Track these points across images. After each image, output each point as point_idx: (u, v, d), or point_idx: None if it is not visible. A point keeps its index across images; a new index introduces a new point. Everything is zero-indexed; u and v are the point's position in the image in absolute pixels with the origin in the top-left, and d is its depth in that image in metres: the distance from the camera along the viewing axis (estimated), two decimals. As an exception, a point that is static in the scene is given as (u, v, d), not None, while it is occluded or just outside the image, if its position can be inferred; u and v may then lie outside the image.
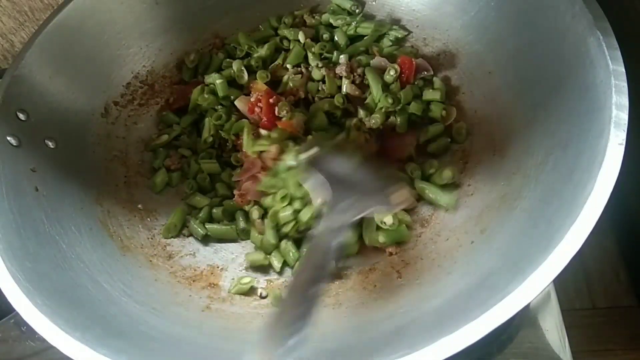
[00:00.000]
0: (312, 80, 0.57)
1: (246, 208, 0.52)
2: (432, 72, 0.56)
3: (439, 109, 0.52)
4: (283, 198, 0.48)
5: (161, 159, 0.57)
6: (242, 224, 0.51)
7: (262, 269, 0.49)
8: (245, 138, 0.52)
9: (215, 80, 0.57)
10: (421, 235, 0.48)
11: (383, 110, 0.52)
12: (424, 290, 0.42)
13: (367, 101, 0.54)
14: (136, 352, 0.36)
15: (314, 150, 0.47)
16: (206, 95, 0.57)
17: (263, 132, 0.53)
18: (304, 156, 0.47)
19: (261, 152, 0.51)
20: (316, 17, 0.63)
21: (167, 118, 0.60)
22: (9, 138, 0.46)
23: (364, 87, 0.55)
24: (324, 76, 0.56)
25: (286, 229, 0.48)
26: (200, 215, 0.52)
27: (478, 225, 0.44)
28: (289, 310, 0.33)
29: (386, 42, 0.60)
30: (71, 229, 0.46)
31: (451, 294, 0.38)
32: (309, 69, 0.57)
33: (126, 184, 0.55)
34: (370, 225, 0.47)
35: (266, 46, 0.60)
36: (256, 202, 0.51)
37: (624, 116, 0.35)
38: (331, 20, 0.61)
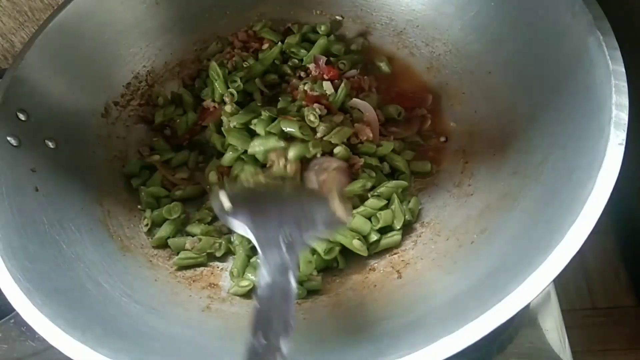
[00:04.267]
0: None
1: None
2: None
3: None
4: None
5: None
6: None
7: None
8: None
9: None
10: (421, 235, 0.48)
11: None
12: (424, 290, 0.42)
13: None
14: (136, 352, 0.36)
15: (224, 196, 0.41)
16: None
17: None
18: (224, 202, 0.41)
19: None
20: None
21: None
22: (9, 138, 0.46)
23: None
24: None
25: None
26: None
27: (478, 225, 0.44)
28: None
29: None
30: (71, 229, 0.46)
31: (451, 294, 0.38)
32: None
33: (126, 184, 0.55)
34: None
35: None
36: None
37: (624, 116, 0.35)
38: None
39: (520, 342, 0.45)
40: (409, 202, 0.50)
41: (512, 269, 0.34)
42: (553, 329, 0.46)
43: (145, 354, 0.36)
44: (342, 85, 0.55)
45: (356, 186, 0.49)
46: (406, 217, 0.48)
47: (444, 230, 0.47)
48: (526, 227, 0.38)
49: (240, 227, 0.39)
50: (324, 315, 0.44)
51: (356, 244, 0.46)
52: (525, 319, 0.47)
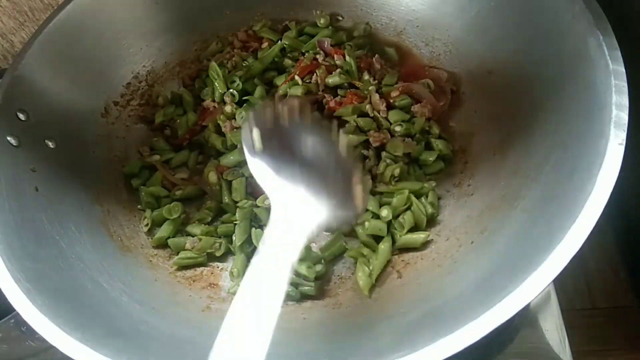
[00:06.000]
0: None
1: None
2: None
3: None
4: None
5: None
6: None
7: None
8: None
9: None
10: (421, 235, 0.48)
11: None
12: (424, 290, 0.42)
13: None
14: (136, 352, 0.36)
15: (257, 136, 0.40)
16: None
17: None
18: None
19: None
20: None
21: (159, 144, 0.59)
22: (9, 138, 0.46)
23: None
24: None
25: None
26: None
27: (478, 225, 0.44)
28: None
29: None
30: (71, 229, 0.46)
31: (451, 294, 0.38)
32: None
33: (126, 184, 0.55)
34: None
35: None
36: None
37: (624, 116, 0.35)
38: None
39: (520, 342, 0.45)
40: (427, 196, 0.49)
41: (512, 269, 0.34)
42: (553, 329, 0.46)
43: (145, 354, 0.36)
44: (346, 52, 0.56)
45: (386, 173, 0.49)
46: (429, 211, 0.48)
47: (443, 230, 0.47)
48: (526, 227, 0.38)
49: (261, 172, 0.39)
50: (324, 315, 0.44)
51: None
52: (525, 319, 0.46)
